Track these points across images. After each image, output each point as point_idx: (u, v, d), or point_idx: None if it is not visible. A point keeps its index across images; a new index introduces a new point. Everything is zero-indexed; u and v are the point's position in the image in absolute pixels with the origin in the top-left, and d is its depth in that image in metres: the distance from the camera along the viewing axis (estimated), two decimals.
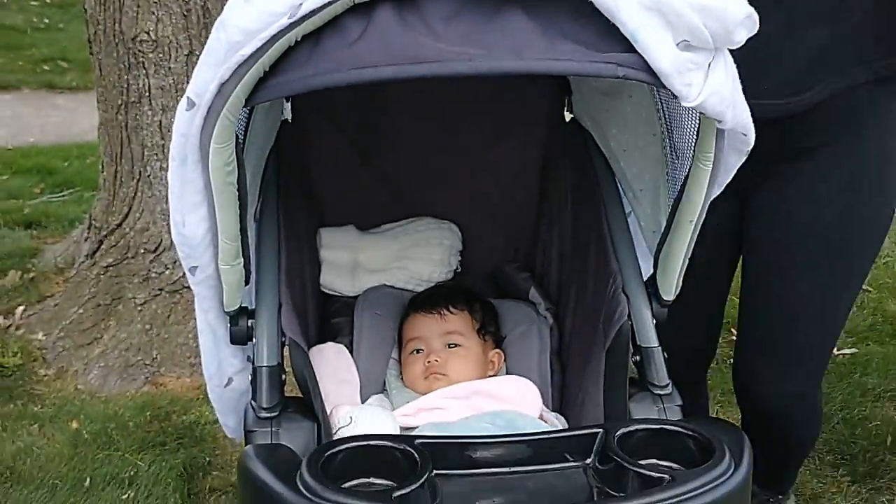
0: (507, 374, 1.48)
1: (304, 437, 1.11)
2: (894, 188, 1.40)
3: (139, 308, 2.50)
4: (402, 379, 1.47)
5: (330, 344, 1.46)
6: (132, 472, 2.02)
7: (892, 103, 1.35)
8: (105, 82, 2.50)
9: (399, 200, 1.66)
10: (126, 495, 1.95)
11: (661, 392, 1.19)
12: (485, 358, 1.47)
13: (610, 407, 1.22)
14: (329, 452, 0.95)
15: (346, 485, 0.93)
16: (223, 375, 1.26)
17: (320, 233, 1.62)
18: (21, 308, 2.70)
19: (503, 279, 1.66)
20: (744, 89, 0.98)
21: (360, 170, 1.64)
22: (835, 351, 2.62)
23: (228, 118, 0.92)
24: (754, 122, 1.02)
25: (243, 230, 1.09)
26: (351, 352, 1.46)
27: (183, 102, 0.95)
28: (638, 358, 1.21)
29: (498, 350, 1.50)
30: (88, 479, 1.99)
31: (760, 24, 0.92)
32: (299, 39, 0.88)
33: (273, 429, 1.11)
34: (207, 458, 2.09)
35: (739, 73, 0.97)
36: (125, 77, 2.42)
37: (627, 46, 0.89)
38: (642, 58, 0.89)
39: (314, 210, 1.62)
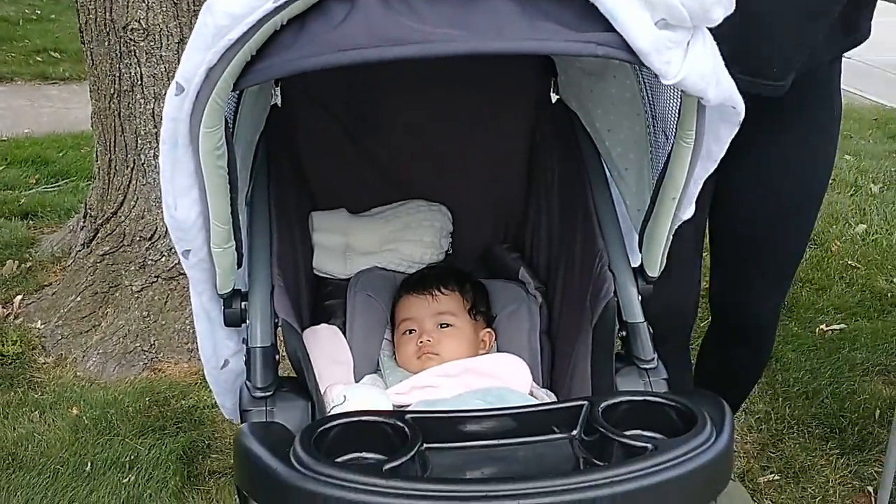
0: (498, 352, 1.50)
1: (298, 416, 1.13)
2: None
3: (136, 295, 2.52)
4: (395, 359, 1.49)
5: (323, 325, 1.48)
6: (132, 457, 2.04)
7: (836, 74, 1.61)
8: (97, 71, 2.51)
9: (389, 184, 1.68)
10: (127, 479, 1.98)
11: (647, 366, 1.20)
12: (476, 337, 1.49)
13: (597, 382, 1.24)
14: (322, 428, 0.96)
15: (339, 459, 0.95)
16: (219, 357, 1.27)
17: (312, 217, 1.63)
18: (19, 297, 2.73)
19: (493, 260, 1.68)
20: (739, 72, 1.01)
21: (350, 154, 1.65)
22: (823, 327, 2.66)
23: (217, 102, 0.93)
24: (745, 97, 1.03)
25: (234, 213, 1.10)
26: (344, 333, 1.48)
27: (172, 87, 0.96)
28: (624, 333, 1.23)
29: (489, 329, 1.52)
30: (89, 464, 2.02)
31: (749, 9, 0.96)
32: (285, 23, 0.89)
33: (268, 407, 1.13)
34: (206, 442, 2.12)
35: (734, 57, 0.99)
36: (117, 66, 2.43)
37: (607, 26, 0.90)
38: (621, 37, 0.90)
39: (305, 194, 1.64)
